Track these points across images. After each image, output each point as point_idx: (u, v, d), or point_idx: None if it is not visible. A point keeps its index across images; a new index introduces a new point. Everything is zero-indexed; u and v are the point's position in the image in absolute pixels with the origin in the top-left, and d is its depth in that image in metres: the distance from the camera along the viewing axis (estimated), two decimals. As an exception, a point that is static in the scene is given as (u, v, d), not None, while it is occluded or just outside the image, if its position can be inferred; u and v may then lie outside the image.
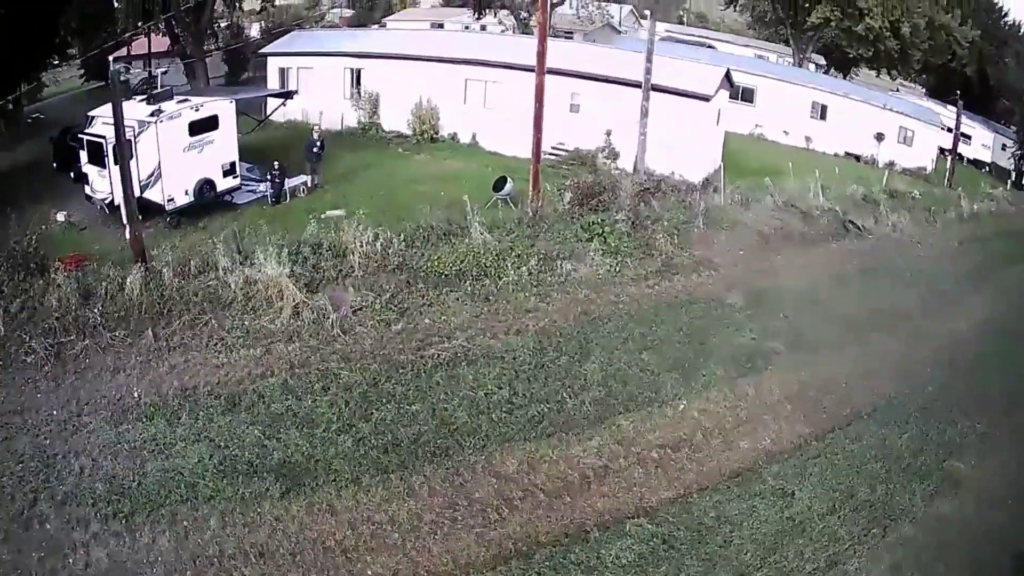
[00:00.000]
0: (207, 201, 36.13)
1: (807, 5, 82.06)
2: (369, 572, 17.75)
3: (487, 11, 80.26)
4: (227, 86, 69.13)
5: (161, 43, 69.17)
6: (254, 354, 23.15)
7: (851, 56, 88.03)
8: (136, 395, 21.27)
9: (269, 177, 38.61)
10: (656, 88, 39.77)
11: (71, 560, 17.00)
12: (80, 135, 35.46)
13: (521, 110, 42.00)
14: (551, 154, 44.36)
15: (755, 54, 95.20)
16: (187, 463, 19.48)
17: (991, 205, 57.45)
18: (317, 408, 21.52)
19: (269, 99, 48.34)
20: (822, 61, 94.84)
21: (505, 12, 77.26)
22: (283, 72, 56.09)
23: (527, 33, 70.61)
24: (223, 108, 36.70)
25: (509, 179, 37.39)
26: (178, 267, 25.76)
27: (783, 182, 43.37)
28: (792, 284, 32.87)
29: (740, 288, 31.49)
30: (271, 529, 18.35)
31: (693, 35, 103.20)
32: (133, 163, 31.47)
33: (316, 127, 43.59)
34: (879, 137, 66.20)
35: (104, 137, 32.63)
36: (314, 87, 54.43)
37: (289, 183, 39.27)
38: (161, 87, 38.06)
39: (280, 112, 48.29)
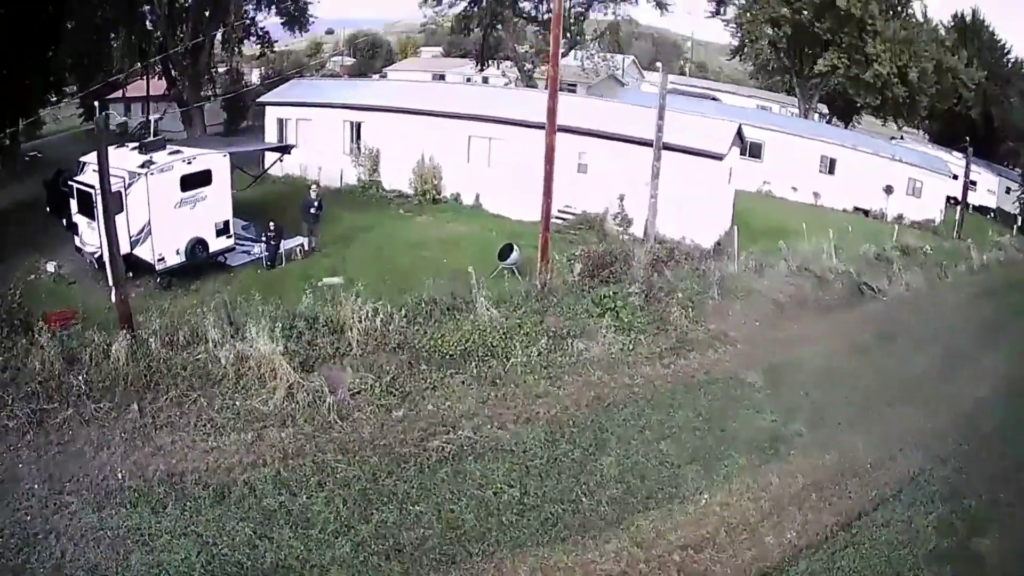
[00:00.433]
0: (199, 262, 34.72)
1: (813, 53, 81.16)
2: None
3: (490, 62, 79.00)
4: (224, 135, 68.39)
5: (159, 86, 68.48)
6: (245, 439, 21.69)
7: (858, 104, 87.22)
8: (120, 476, 19.82)
9: (265, 238, 37.29)
10: (667, 147, 38.10)
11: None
12: (70, 182, 34.12)
13: (527, 170, 41.40)
14: (558, 217, 42.82)
15: (758, 105, 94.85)
16: (173, 559, 17.91)
17: (1000, 254, 56.83)
18: (312, 506, 19.88)
19: (266, 152, 47.14)
20: (825, 110, 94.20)
21: (508, 64, 76.39)
22: (281, 123, 55.21)
23: (531, 85, 69.87)
24: (217, 162, 35.27)
25: (516, 247, 36.25)
26: (166, 337, 24.47)
27: (796, 243, 42.29)
28: (810, 357, 31.53)
29: (758, 364, 30.10)
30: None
31: (697, 86, 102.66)
32: (123, 217, 30.83)
33: (314, 185, 42.16)
34: (888, 190, 65.56)
35: (94, 187, 30.99)
36: (313, 140, 53.50)
37: (285, 245, 37.90)
38: (157, 134, 36.71)
39: (278, 166, 47.29)
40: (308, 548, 18.67)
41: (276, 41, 70.91)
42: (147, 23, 59.90)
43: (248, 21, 64.93)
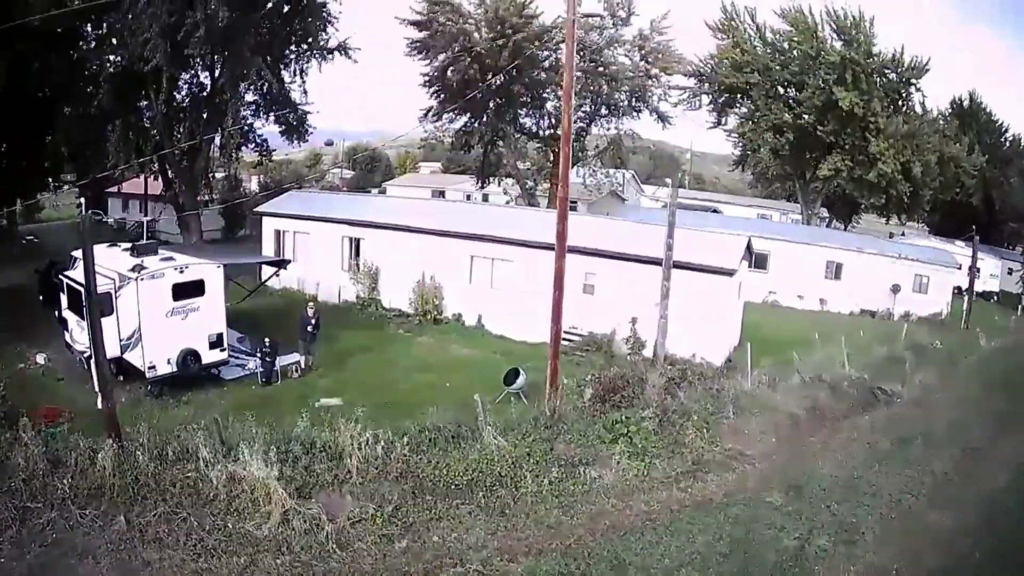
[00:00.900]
0: (192, 374, 33.80)
1: (815, 157, 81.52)
2: None
3: (491, 179, 78.91)
4: (222, 241, 68.17)
5: (157, 185, 68.40)
6: (237, 564, 20.44)
7: (863, 206, 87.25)
8: None
9: (260, 354, 36.31)
10: (677, 264, 37.60)
11: None
12: (60, 276, 33.58)
13: (531, 291, 41.44)
14: (564, 338, 41.43)
15: (759, 214, 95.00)
16: None
17: (1007, 339, 56.84)
18: (314, 647, 18.26)
19: (263, 265, 46.61)
20: (825, 213, 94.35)
21: (510, 181, 76.19)
22: (279, 234, 55.09)
23: (533, 203, 69.73)
24: (210, 273, 34.63)
25: (522, 371, 35.31)
26: (154, 450, 23.42)
27: (807, 353, 41.75)
28: (829, 469, 30.44)
29: (777, 481, 28.87)
30: None
31: (697, 198, 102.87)
32: (112, 319, 30.37)
33: (311, 303, 41.42)
34: (895, 289, 65.79)
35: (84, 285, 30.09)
36: (311, 254, 53.36)
37: (281, 362, 36.93)
38: (153, 236, 36.03)
39: (276, 280, 47.04)
40: None
41: (275, 150, 70.82)
42: (144, 119, 59.62)
43: (246, 127, 64.83)
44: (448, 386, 34.92)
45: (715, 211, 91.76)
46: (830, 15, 78.99)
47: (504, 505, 24.58)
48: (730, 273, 43.17)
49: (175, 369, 33.16)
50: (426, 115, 72.36)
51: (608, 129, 74.40)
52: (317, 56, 61.82)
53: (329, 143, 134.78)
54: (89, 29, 54.98)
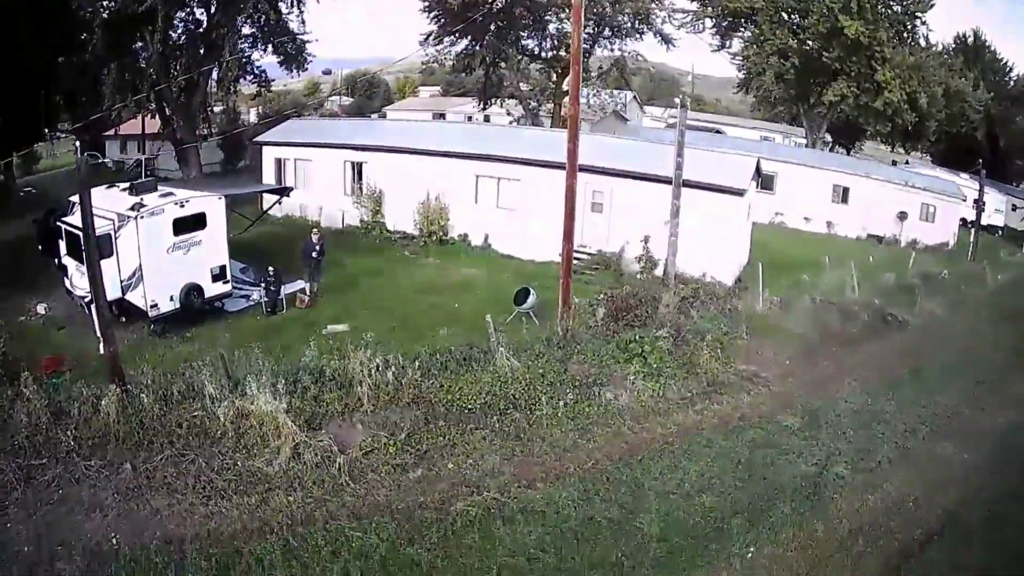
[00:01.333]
0: (195, 309, 33.12)
1: (820, 83, 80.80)
2: None
3: (493, 101, 78.03)
4: (221, 175, 67.20)
5: (154, 124, 67.80)
6: (248, 503, 19.98)
7: (868, 132, 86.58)
8: (114, 541, 18.21)
9: (263, 284, 35.63)
10: (687, 184, 36.71)
11: None
12: (59, 223, 32.79)
13: (539, 210, 41.10)
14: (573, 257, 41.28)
15: (761, 136, 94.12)
16: None
17: (1013, 274, 56.39)
18: (327, 582, 17.91)
19: (264, 194, 45.86)
20: (828, 138, 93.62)
21: (513, 101, 75.34)
22: (280, 163, 53.96)
23: (536, 124, 68.93)
24: (211, 205, 33.69)
25: (532, 290, 34.63)
26: (159, 391, 22.80)
27: (817, 276, 41.66)
28: (844, 395, 30.19)
29: (793, 406, 28.62)
30: None
31: (699, 120, 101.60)
32: (113, 260, 29.69)
33: (315, 229, 40.47)
34: (902, 216, 65.11)
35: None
36: (313, 181, 52.33)
37: (286, 290, 36.26)
38: (152, 173, 35.15)
39: (278, 208, 46.01)
40: None
41: (273, 80, 69.94)
42: (140, 60, 58.64)
43: (244, 59, 63.81)
44: (457, 307, 34.57)
45: (718, 132, 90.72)
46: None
47: (519, 429, 24.18)
48: (740, 193, 42.42)
49: (178, 305, 32.48)
50: (427, 39, 71.26)
51: (612, 51, 73.43)
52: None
53: (327, 72, 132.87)
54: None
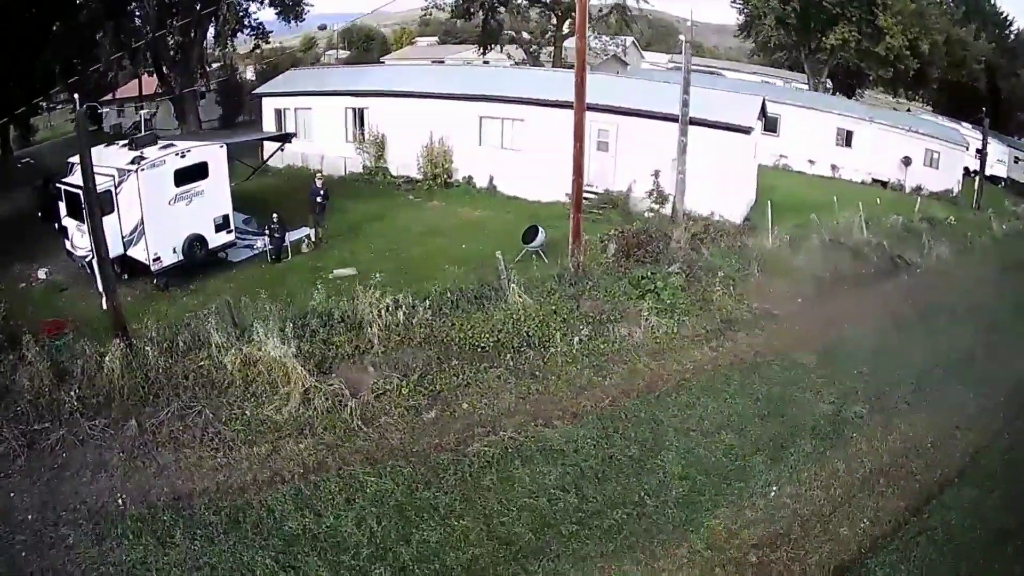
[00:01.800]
0: (198, 260, 32.51)
1: (821, 28, 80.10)
2: None
3: (492, 47, 77.14)
4: (220, 129, 66.43)
5: (151, 84, 67.18)
6: (259, 453, 19.48)
7: (870, 77, 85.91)
8: (121, 502, 17.68)
9: (267, 231, 35.07)
10: (693, 121, 36.28)
11: None
12: (57, 184, 32.01)
13: (544, 150, 40.61)
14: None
15: (760, 81, 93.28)
16: None
17: (1018, 224, 56.02)
18: (342, 527, 17.53)
19: (265, 143, 45.45)
20: (829, 85, 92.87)
21: (513, 46, 74.67)
22: (279, 114, 53.14)
23: (537, 67, 68.41)
24: (213, 154, 32.95)
25: (541, 228, 34.13)
26: (164, 344, 22.19)
27: (824, 217, 40.99)
28: (858, 334, 30.07)
29: (808, 343, 28.45)
30: None
31: (698, 65, 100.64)
32: (114, 217, 29.00)
33: (319, 173, 40.00)
34: (906, 161, 64.42)
35: (82, 187, 28.62)
36: (314, 130, 51.67)
37: (291, 237, 35.76)
38: (150, 131, 34.49)
39: (278, 157, 45.61)
40: None
41: (271, 32, 69.10)
42: (135, 19, 57.85)
43: (241, 13, 63.02)
44: (464, 248, 34.10)
45: (718, 75, 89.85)
46: None
47: (534, 367, 23.84)
48: (747, 131, 41.86)
49: (181, 257, 31.89)
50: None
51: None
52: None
53: (323, 27, 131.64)
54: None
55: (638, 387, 23.92)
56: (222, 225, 33.41)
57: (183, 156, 31.73)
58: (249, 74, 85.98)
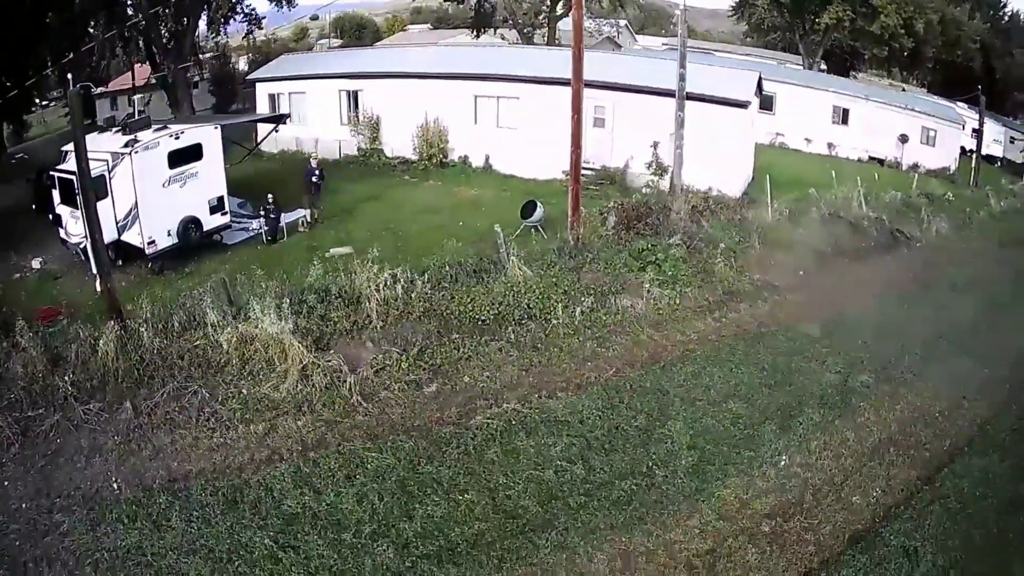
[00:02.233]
0: (193, 243, 32.17)
1: (815, 9, 79.91)
2: None
3: (485, 30, 76.92)
4: (214, 114, 66.09)
5: (144, 73, 66.79)
6: (256, 432, 19.25)
7: (866, 56, 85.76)
8: (116, 487, 17.48)
9: (263, 212, 34.62)
10: (691, 96, 35.87)
11: None
12: (51, 172, 31.61)
13: (540, 128, 40.34)
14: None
15: (755, 61, 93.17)
16: None
17: (1015, 201, 55.50)
18: (342, 505, 17.27)
19: (260, 125, 45.03)
20: (823, 65, 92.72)
21: (507, 28, 74.58)
22: (273, 98, 52.71)
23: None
24: (207, 135, 32.61)
25: (539, 203, 33.74)
26: (159, 324, 21.89)
27: (823, 193, 40.70)
28: (859, 305, 29.92)
29: (811, 315, 28.28)
30: None
31: (693, 47, 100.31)
32: (108, 201, 28.56)
33: (313, 155, 39.85)
34: (903, 139, 63.92)
35: (75, 172, 28.24)
36: (308, 113, 51.21)
37: (286, 218, 35.27)
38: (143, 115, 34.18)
39: (272, 142, 45.23)
40: (342, 556, 16.15)
41: (264, 17, 68.89)
42: (128, 7, 57.50)
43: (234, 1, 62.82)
44: (461, 225, 33.71)
45: (712, 56, 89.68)
46: None
47: (536, 339, 23.55)
48: (744, 105, 41.59)
49: (176, 240, 31.48)
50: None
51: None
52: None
53: (315, 17, 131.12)
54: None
55: (642, 358, 23.67)
56: (217, 207, 33.07)
57: (177, 138, 31.38)
58: (242, 65, 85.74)
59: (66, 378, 19.82)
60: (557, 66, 37.34)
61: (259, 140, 44.28)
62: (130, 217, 30.02)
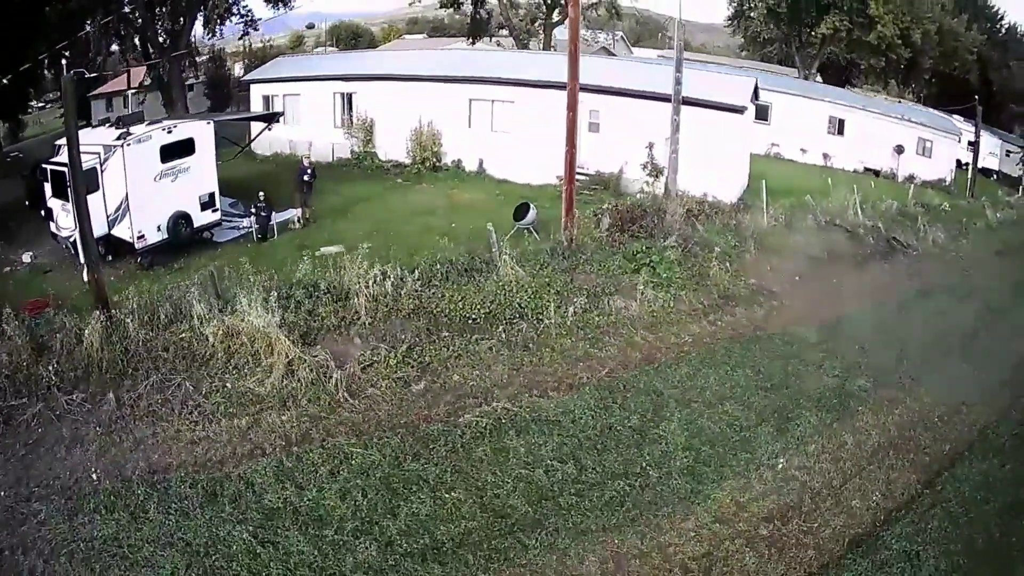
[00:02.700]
0: (183, 239, 32.02)
1: (811, 19, 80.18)
2: None
3: (480, 38, 76.87)
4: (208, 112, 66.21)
5: (139, 75, 66.72)
6: (239, 426, 18.86)
7: (861, 67, 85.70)
8: (95, 477, 17.22)
9: (254, 211, 34.42)
10: (687, 101, 35.86)
11: None
12: (44, 165, 31.62)
13: (534, 132, 40.24)
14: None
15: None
16: (156, 575, 15.09)
17: (1012, 213, 55.58)
18: (324, 501, 16.87)
19: (253, 124, 44.90)
20: (819, 79, 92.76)
21: (503, 33, 74.81)
22: (268, 100, 52.74)
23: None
24: (200, 130, 32.55)
25: (532, 206, 33.63)
26: (145, 316, 21.52)
27: (819, 200, 40.53)
28: (858, 311, 29.74)
29: (808, 319, 28.08)
30: None
31: (688, 58, 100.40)
32: (99, 195, 28.60)
33: (306, 155, 39.70)
34: (899, 149, 64.00)
35: (67, 165, 28.00)
36: (302, 115, 51.20)
37: (277, 217, 35.14)
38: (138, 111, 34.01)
39: (266, 144, 45.44)
40: (323, 553, 15.75)
41: (260, 20, 68.69)
42: (124, 7, 57.28)
43: (230, 1, 62.60)
44: (454, 226, 33.41)
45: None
46: None
47: (527, 339, 23.16)
48: (741, 110, 41.55)
49: (166, 235, 31.39)
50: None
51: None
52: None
53: (311, 26, 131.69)
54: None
55: (635, 359, 23.37)
56: (208, 203, 32.97)
57: (169, 132, 31.37)
58: (237, 70, 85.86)
59: (50, 368, 19.52)
60: (553, 70, 37.46)
61: (252, 137, 44.16)
62: (120, 211, 29.94)
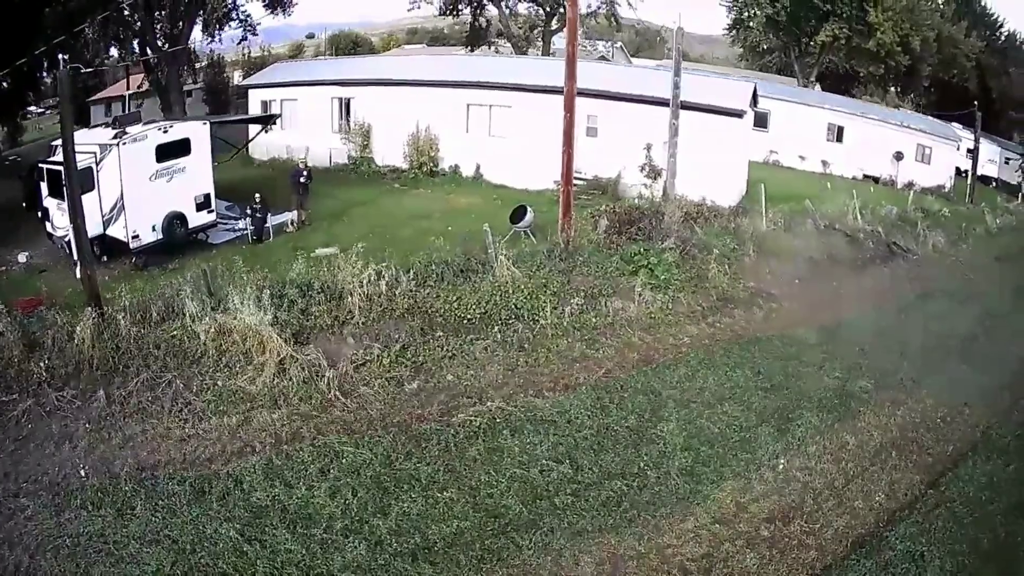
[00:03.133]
0: (178, 239, 31.94)
1: (811, 28, 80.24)
2: None
3: (480, 45, 77.10)
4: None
5: (137, 80, 66.77)
6: (229, 424, 18.78)
7: (861, 74, 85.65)
8: (83, 474, 17.27)
9: (249, 212, 34.33)
10: (685, 105, 35.26)
11: None
12: (40, 164, 31.63)
13: (532, 137, 40.01)
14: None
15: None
16: (141, 571, 14.92)
17: (1011, 219, 55.65)
18: (314, 499, 16.69)
19: (250, 126, 44.89)
20: (818, 87, 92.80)
21: (502, 40, 75.02)
22: (265, 105, 52.58)
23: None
24: (195, 130, 32.44)
25: (529, 208, 33.45)
26: (136, 313, 21.45)
27: (818, 205, 40.49)
28: (857, 314, 29.81)
29: (807, 322, 28.06)
30: None
31: (687, 67, 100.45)
32: (94, 194, 28.57)
33: (302, 159, 39.76)
34: (898, 156, 63.82)
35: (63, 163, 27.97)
36: (299, 120, 51.19)
37: (273, 220, 34.98)
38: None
39: (263, 149, 45.53)
40: (311, 552, 15.52)
41: (259, 23, 68.68)
42: (123, 10, 57.20)
43: (229, 5, 62.50)
44: (450, 229, 33.13)
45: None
46: None
47: (523, 339, 22.97)
48: (739, 114, 41.42)
49: (161, 235, 31.24)
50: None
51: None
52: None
53: (311, 36, 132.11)
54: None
55: (633, 360, 23.21)
56: (203, 204, 32.83)
57: (165, 131, 31.31)
58: (236, 78, 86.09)
59: (40, 364, 19.48)
60: (550, 75, 37.28)
61: (249, 139, 44.20)
62: (115, 210, 29.83)
